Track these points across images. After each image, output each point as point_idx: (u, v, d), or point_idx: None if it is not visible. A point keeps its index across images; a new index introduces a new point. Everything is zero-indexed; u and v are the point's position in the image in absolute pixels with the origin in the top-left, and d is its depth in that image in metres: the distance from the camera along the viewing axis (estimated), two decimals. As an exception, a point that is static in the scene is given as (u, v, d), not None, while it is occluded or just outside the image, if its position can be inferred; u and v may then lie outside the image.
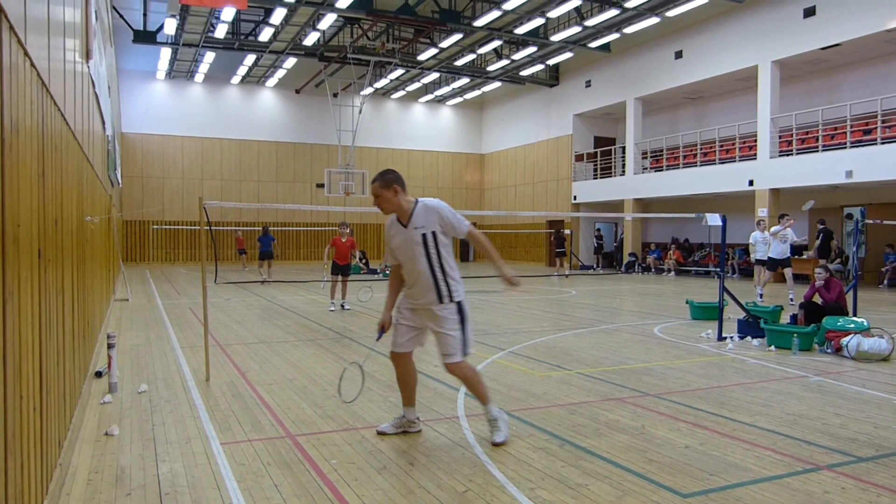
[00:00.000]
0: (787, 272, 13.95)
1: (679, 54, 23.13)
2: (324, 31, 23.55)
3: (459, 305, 4.41)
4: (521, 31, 22.27)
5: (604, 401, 5.54)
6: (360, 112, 29.16)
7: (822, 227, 18.91)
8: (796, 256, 19.66)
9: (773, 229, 13.81)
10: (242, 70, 28.33)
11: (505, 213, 9.24)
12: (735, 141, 21.81)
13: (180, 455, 4.13)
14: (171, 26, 21.13)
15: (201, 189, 29.79)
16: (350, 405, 5.34)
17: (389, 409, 5.22)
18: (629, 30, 21.95)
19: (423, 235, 4.29)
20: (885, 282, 18.36)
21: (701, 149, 23.30)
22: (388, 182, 4.32)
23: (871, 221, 12.59)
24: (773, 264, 13.93)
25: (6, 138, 2.24)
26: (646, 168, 25.45)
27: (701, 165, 22.74)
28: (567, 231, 24.12)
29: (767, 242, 15.29)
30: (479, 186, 36.00)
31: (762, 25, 20.14)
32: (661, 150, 25.11)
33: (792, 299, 13.08)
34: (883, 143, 17.11)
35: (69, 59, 4.49)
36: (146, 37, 22.84)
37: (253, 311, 11.89)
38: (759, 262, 15.55)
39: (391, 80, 29.76)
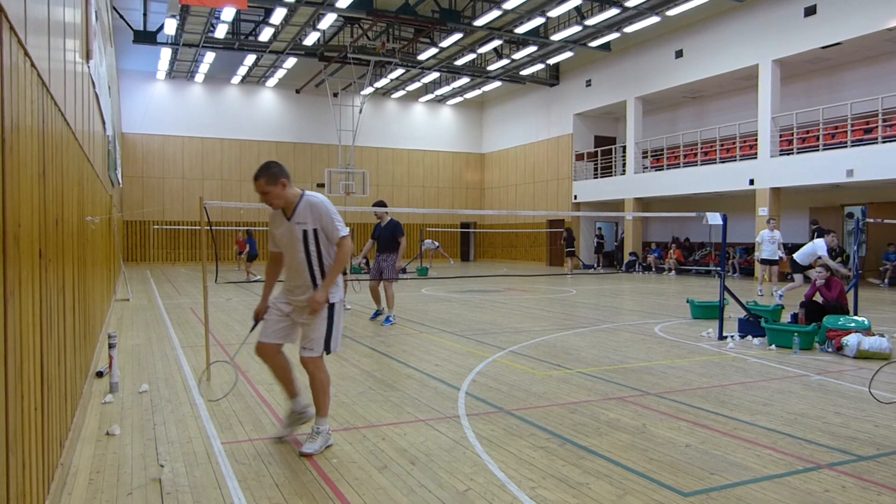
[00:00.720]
0: (812, 273, 13.79)
1: (679, 53, 23.13)
2: (324, 30, 23.55)
3: (332, 307, 4.21)
4: (521, 30, 22.27)
5: (604, 400, 5.54)
6: (361, 112, 29.16)
7: (815, 227, 18.95)
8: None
9: (821, 243, 12.55)
10: (242, 70, 28.33)
11: (505, 212, 9.25)
12: (736, 140, 21.81)
13: (181, 454, 4.13)
14: (171, 26, 21.13)
15: (202, 189, 29.81)
16: (351, 405, 5.34)
17: (391, 409, 5.22)
18: (629, 29, 21.94)
19: (304, 232, 4.12)
20: (886, 281, 18.35)
21: (701, 148, 23.30)
22: (274, 176, 4.06)
23: (871, 220, 12.57)
24: (799, 268, 13.46)
25: (6, 138, 2.25)
26: (646, 167, 25.45)
27: (701, 165, 22.73)
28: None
29: (775, 241, 15.21)
30: (479, 186, 36.00)
31: (763, 24, 20.13)
32: (662, 150, 25.11)
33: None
34: (884, 142, 17.11)
35: (69, 59, 4.49)
36: (146, 37, 22.84)
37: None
38: (764, 261, 15.50)
39: (391, 80, 29.76)
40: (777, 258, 15.29)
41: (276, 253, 4.38)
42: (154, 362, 7.14)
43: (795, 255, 13.19)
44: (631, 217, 25.08)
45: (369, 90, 29.34)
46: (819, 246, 12.75)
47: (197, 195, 28.70)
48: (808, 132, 19.85)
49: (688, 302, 11.43)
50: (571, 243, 22.35)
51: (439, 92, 32.30)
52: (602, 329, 9.78)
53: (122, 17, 21.45)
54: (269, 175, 4.05)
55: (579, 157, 28.68)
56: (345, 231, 4.18)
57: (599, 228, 28.87)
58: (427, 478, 3.76)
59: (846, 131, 18.28)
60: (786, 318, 9.86)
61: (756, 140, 20.65)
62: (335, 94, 30.09)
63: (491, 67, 27.70)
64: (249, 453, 4.18)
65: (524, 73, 28.54)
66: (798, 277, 13.25)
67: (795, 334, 7.84)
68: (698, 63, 22.38)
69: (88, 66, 6.28)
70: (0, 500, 2.15)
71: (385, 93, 32.62)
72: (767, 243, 15.16)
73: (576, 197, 28.40)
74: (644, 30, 22.67)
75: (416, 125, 34.51)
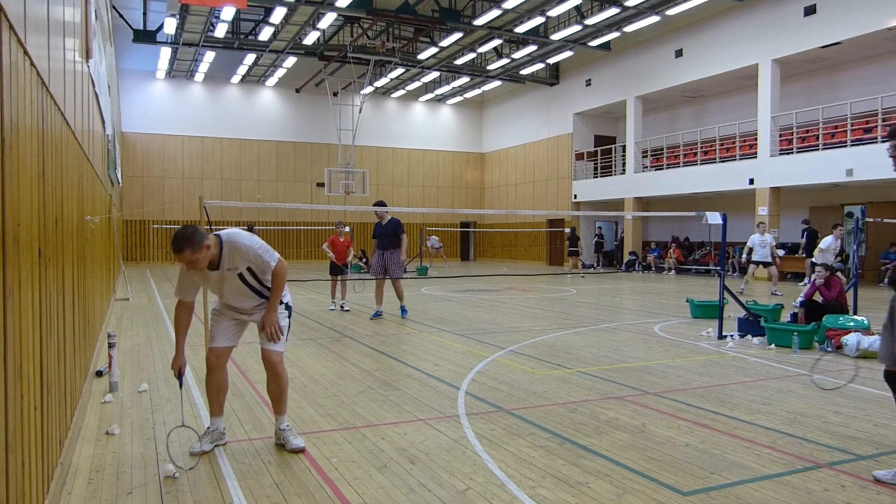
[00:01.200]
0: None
1: (679, 53, 23.12)
2: (324, 30, 23.54)
3: (287, 305, 4.46)
4: (521, 29, 22.26)
5: (604, 399, 5.54)
6: (361, 111, 29.15)
7: (806, 226, 18.98)
8: (795, 255, 19.69)
9: (828, 241, 13.00)
10: (242, 69, 28.33)
11: (505, 211, 9.26)
12: (735, 139, 21.81)
13: (181, 454, 4.13)
14: (170, 26, 21.12)
15: (201, 188, 29.80)
16: (351, 404, 5.35)
17: (390, 408, 5.23)
18: (629, 28, 21.94)
19: (240, 275, 4.17)
20: (886, 280, 18.35)
21: (701, 147, 23.29)
22: (198, 244, 3.91)
23: (871, 220, 12.58)
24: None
25: (6, 138, 2.25)
26: (646, 167, 25.45)
27: (701, 164, 22.73)
28: (567, 230, 24.16)
29: (766, 244, 15.25)
30: (479, 185, 36.00)
31: (762, 24, 20.13)
32: (662, 149, 25.11)
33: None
34: (883, 142, 17.08)
35: (69, 58, 4.49)
36: (146, 36, 22.84)
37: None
38: (755, 262, 15.57)
39: (391, 79, 29.75)
40: (770, 260, 15.34)
41: (187, 302, 4.26)
42: (154, 362, 7.14)
43: (814, 261, 13.18)
44: (631, 216, 25.09)
45: (369, 89, 29.33)
46: (824, 243, 12.86)
47: (197, 194, 28.67)
48: (807, 132, 19.85)
49: (687, 301, 11.43)
50: (575, 243, 22.40)
51: (439, 91, 32.29)
52: (602, 328, 9.78)
53: (121, 16, 21.45)
54: (194, 244, 3.90)
55: (579, 156, 28.68)
56: (274, 259, 4.20)
57: (599, 228, 28.88)
58: (427, 477, 3.76)
59: (846, 131, 18.28)
60: (785, 317, 9.86)
61: (756, 139, 20.65)
62: (335, 94, 30.08)
63: (491, 67, 27.68)
64: (249, 452, 4.18)
65: (524, 72, 28.54)
66: (756, 268, 13.36)
67: (795, 334, 7.84)
68: (698, 62, 22.37)
69: (88, 66, 6.28)
70: (0, 499, 2.15)
71: (385, 92, 32.61)
72: (759, 247, 15.21)
73: (576, 196, 28.39)
74: (644, 29, 22.66)
75: (416, 124, 34.50)
